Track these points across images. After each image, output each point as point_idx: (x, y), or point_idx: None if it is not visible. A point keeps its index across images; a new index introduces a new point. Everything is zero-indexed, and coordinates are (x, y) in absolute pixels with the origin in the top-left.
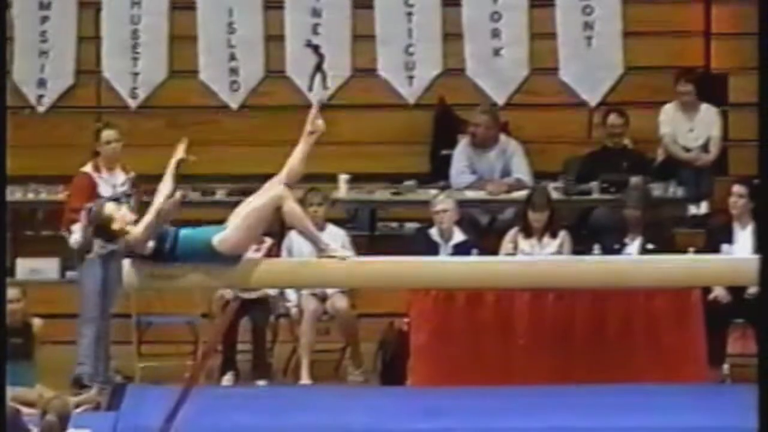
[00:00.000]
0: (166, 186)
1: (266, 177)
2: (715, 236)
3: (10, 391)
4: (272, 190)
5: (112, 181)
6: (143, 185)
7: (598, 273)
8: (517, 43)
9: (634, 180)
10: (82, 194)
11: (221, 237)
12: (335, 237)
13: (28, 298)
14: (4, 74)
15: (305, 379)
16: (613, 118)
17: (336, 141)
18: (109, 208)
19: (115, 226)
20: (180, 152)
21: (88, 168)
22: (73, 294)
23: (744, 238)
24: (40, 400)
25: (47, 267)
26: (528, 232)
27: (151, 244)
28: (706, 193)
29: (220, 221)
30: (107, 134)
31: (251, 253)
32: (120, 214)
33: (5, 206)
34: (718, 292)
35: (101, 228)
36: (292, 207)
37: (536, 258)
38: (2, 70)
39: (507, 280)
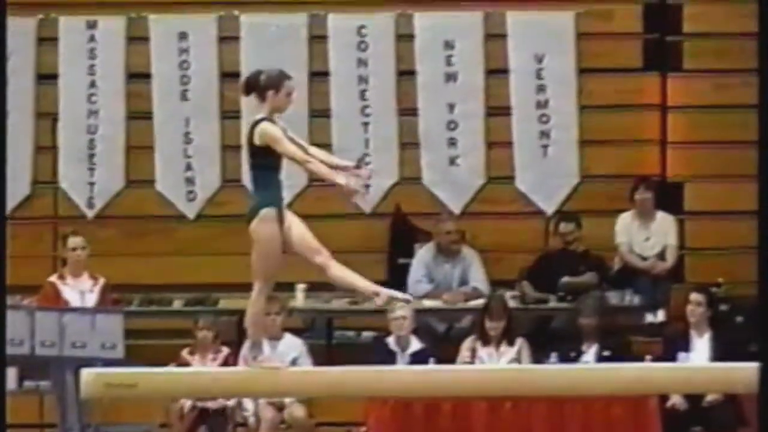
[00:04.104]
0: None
1: (223, 286)
2: (672, 344)
3: None
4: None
5: (79, 287)
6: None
7: (555, 381)
8: (473, 152)
9: (591, 289)
10: (48, 303)
11: None
12: (292, 346)
13: None
14: (5, 76)
15: None
16: (563, 226)
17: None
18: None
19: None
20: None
21: (53, 278)
22: (31, 404)
23: (701, 346)
24: None
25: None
26: (485, 340)
27: None
28: (663, 302)
29: (178, 331)
30: (73, 241)
31: (208, 363)
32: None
33: (5, 210)
34: (676, 400)
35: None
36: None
37: (493, 366)
38: (2, 71)
39: (464, 389)
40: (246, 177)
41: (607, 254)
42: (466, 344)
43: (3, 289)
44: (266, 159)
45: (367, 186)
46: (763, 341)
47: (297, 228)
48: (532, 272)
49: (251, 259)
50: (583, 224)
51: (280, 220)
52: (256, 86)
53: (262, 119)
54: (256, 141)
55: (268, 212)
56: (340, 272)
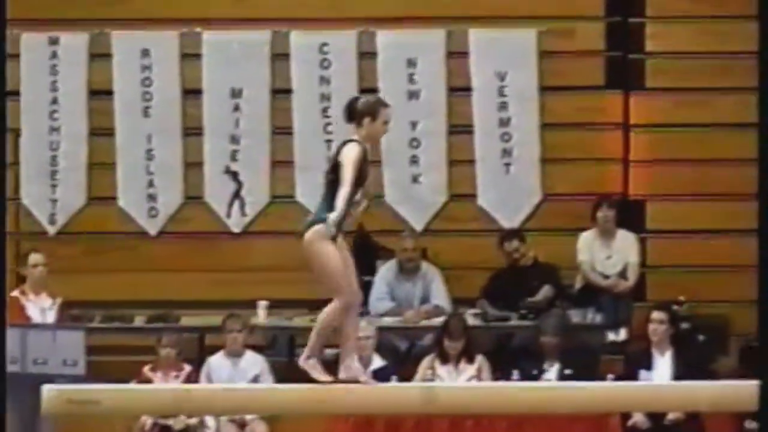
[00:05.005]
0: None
1: (185, 303)
2: (634, 362)
3: None
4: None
5: (39, 305)
6: (68, 311)
7: (517, 399)
8: (435, 170)
9: (551, 301)
10: (14, 317)
11: None
12: (254, 363)
13: None
14: (4, 80)
15: None
16: (507, 245)
17: (255, 267)
18: None
19: None
20: None
21: (15, 293)
22: None
23: (663, 365)
24: None
25: None
26: (444, 358)
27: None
28: (625, 320)
29: (139, 348)
30: (34, 258)
31: (170, 380)
32: None
33: (5, 211)
34: (638, 418)
35: None
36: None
37: (456, 384)
38: (2, 72)
39: (426, 406)
40: (208, 194)
41: (569, 272)
42: (425, 362)
43: (2, 300)
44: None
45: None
46: (763, 360)
47: (345, 259)
48: (488, 291)
49: (318, 279)
50: (526, 238)
51: (334, 240)
52: (353, 112)
53: (354, 140)
54: (340, 158)
55: (323, 228)
56: (350, 329)
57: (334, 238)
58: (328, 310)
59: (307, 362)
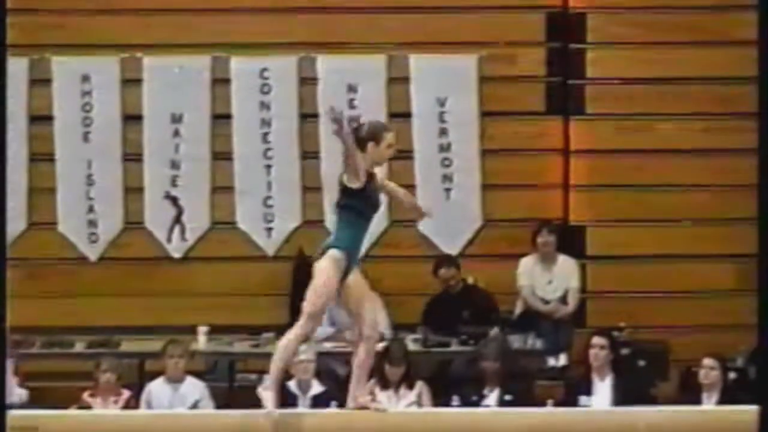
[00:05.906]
0: None
1: (125, 329)
2: (574, 388)
3: None
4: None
5: None
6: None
7: (457, 425)
8: None
9: (492, 332)
10: None
11: None
12: (194, 389)
13: None
14: (5, 71)
15: None
16: (444, 272)
17: (195, 293)
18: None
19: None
20: None
21: None
22: None
23: (603, 390)
24: None
25: None
26: (385, 383)
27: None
28: (565, 345)
29: (79, 374)
30: None
31: (110, 405)
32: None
33: (5, 213)
34: None
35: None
36: None
37: (395, 410)
38: (3, 67)
39: None
40: (148, 219)
41: (509, 298)
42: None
43: (2, 301)
44: (354, 201)
45: (270, 229)
46: (763, 384)
47: (360, 287)
48: (425, 318)
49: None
50: (460, 265)
51: (347, 265)
52: (357, 137)
53: None
54: (345, 181)
55: (334, 253)
56: (364, 359)
57: (346, 272)
58: (288, 335)
59: (264, 392)
